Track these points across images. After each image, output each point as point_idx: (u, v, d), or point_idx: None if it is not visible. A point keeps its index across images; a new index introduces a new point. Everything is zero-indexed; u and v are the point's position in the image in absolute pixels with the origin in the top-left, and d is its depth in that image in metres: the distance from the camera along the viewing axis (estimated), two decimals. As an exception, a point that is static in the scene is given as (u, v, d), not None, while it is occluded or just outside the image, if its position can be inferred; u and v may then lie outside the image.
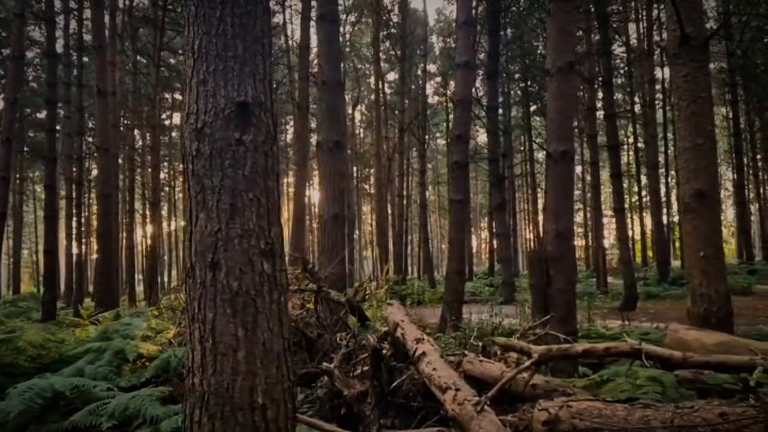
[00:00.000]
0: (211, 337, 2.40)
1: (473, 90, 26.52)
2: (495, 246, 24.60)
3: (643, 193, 33.48)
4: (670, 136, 32.02)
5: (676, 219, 33.25)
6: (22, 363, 5.25)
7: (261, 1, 2.66)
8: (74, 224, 22.55)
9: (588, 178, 28.17)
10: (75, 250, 23.55)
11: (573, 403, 2.83)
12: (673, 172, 33.09)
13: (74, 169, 22.10)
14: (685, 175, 4.44)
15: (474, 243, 57.73)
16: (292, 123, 36.21)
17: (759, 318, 10.83)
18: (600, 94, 17.63)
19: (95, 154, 21.34)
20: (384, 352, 4.19)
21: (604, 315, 9.47)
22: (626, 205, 34.27)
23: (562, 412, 2.79)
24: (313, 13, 14.55)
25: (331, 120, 6.65)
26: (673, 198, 33.06)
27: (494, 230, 22.23)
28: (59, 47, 23.82)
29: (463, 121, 11.43)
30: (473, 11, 25.03)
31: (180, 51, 26.00)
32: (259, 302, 2.44)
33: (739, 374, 2.74)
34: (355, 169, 40.30)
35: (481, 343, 4.23)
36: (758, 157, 35.09)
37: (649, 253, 31.92)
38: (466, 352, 4.66)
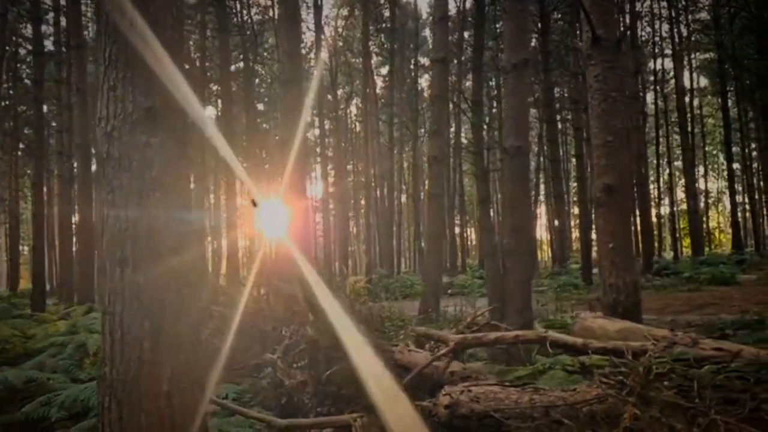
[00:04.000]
0: (119, 329, 2.55)
1: (461, 84, 26.59)
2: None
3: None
4: (662, 133, 32.13)
5: (663, 211, 33.41)
6: (-15, 358, 5.43)
7: (170, 11, 2.79)
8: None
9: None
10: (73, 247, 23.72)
11: (473, 387, 2.99)
12: (665, 165, 33.19)
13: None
14: (597, 171, 4.59)
15: (473, 235, 57.86)
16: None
17: (733, 307, 10.97)
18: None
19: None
20: (324, 342, 4.34)
21: (573, 306, 9.63)
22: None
23: (462, 397, 2.95)
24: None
25: (292, 117, 6.80)
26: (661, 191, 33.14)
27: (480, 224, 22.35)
28: (51, 44, 24.03)
29: (440, 117, 11.59)
30: (461, 5, 25.14)
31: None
32: (165, 296, 2.59)
33: (626, 358, 2.89)
34: (351, 164, 40.44)
35: (415, 334, 4.39)
36: (752, 146, 35.12)
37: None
38: (410, 342, 4.82)
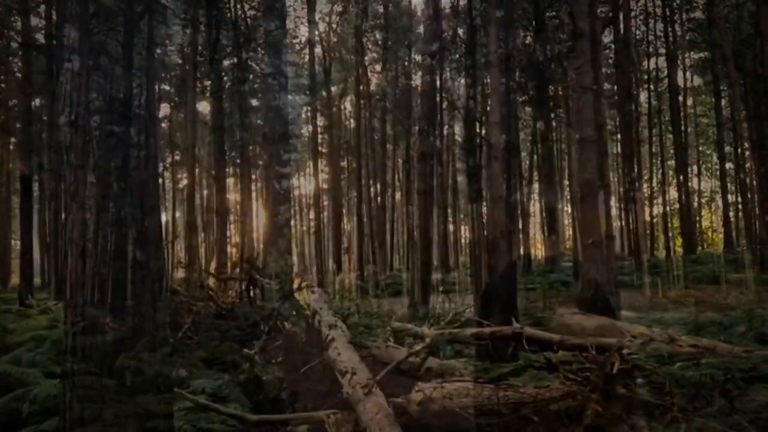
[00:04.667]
0: (81, 321, 2.50)
1: (455, 80, 26.48)
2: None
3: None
4: (656, 132, 32.12)
5: (656, 210, 33.50)
6: (-38, 352, 5.34)
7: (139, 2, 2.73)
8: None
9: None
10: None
11: (446, 384, 2.95)
12: (658, 164, 33.23)
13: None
14: (577, 166, 4.54)
15: (468, 233, 57.82)
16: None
17: (722, 305, 10.97)
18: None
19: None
20: (302, 338, 4.29)
21: (562, 303, 9.61)
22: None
23: (435, 393, 2.90)
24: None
25: (277, 114, 6.71)
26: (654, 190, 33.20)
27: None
28: (42, 37, 23.77)
29: (430, 112, 11.54)
30: (456, 2, 25.00)
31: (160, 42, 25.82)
32: (129, 288, 2.54)
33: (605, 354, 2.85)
34: (345, 161, 40.32)
35: (392, 329, 4.34)
36: (746, 146, 35.10)
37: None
38: (390, 338, 4.78)
